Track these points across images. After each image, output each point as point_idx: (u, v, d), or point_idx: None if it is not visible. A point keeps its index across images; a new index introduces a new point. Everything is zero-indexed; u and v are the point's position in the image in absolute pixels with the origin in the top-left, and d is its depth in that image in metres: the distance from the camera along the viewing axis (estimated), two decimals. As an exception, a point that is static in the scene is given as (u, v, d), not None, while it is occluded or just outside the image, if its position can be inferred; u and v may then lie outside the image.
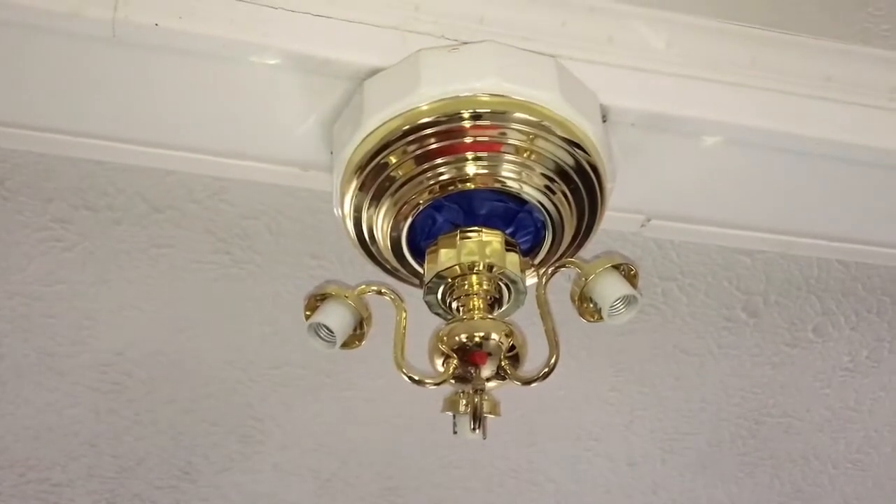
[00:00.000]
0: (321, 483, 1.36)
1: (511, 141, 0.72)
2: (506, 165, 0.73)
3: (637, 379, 1.25)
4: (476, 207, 0.75)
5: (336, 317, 0.73)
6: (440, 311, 0.75)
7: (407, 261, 0.79)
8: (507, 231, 0.75)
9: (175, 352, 1.15)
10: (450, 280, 0.73)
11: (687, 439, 1.35)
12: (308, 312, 0.75)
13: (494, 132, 0.72)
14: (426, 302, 0.75)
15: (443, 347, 0.70)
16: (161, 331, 1.13)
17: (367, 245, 0.79)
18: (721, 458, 1.38)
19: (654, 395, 1.28)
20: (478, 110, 0.71)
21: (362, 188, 0.75)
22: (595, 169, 0.74)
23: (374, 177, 0.74)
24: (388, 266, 0.81)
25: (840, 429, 1.35)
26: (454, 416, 0.71)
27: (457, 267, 0.72)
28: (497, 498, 1.42)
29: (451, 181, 0.73)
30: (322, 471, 1.34)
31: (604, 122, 0.77)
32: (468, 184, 0.73)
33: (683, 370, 1.24)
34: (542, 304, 0.74)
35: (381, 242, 0.78)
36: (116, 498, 1.34)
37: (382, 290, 0.77)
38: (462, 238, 0.74)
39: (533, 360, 0.72)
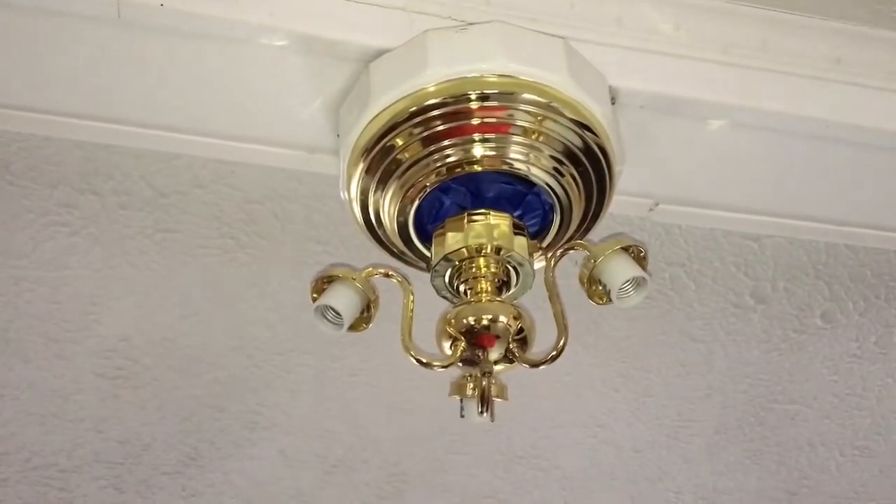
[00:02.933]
0: (327, 469, 1.36)
1: (519, 122, 0.71)
2: (513, 147, 0.72)
3: (643, 365, 1.25)
4: (483, 190, 0.74)
5: (343, 299, 0.73)
6: (447, 295, 0.75)
7: (414, 244, 0.78)
8: (515, 214, 0.75)
9: (180, 337, 1.15)
10: (457, 263, 0.73)
11: (693, 426, 1.34)
12: (315, 295, 0.74)
13: (502, 113, 0.71)
14: (433, 285, 0.75)
15: (450, 330, 0.70)
16: (166, 316, 1.13)
17: (373, 229, 0.79)
18: (727, 445, 1.38)
19: (661, 381, 1.27)
20: (485, 91, 0.70)
21: (369, 171, 0.74)
22: (604, 151, 0.73)
23: (380, 159, 0.73)
24: (395, 250, 0.81)
25: (847, 416, 1.34)
26: (461, 400, 0.71)
27: (464, 250, 0.72)
28: (502, 484, 1.42)
29: (459, 163, 0.72)
30: (328, 457, 1.34)
31: (612, 104, 0.77)
32: (475, 166, 0.72)
33: (690, 356, 1.24)
34: (551, 287, 0.73)
35: (388, 226, 0.77)
36: (123, 484, 1.34)
37: (390, 273, 0.76)
38: (469, 221, 0.73)
39: (540, 345, 0.72)
